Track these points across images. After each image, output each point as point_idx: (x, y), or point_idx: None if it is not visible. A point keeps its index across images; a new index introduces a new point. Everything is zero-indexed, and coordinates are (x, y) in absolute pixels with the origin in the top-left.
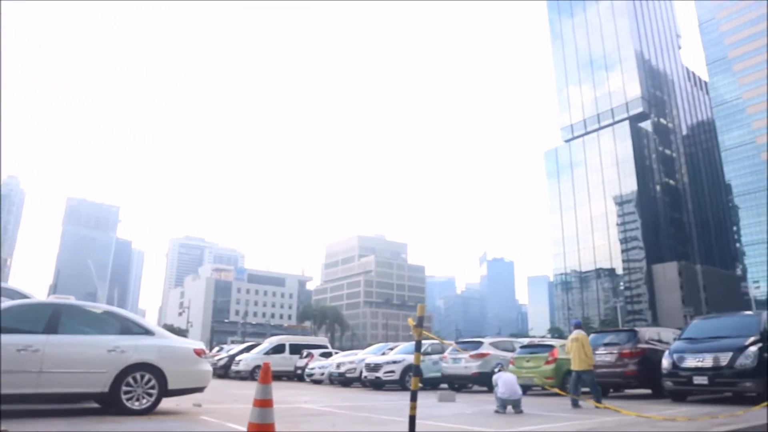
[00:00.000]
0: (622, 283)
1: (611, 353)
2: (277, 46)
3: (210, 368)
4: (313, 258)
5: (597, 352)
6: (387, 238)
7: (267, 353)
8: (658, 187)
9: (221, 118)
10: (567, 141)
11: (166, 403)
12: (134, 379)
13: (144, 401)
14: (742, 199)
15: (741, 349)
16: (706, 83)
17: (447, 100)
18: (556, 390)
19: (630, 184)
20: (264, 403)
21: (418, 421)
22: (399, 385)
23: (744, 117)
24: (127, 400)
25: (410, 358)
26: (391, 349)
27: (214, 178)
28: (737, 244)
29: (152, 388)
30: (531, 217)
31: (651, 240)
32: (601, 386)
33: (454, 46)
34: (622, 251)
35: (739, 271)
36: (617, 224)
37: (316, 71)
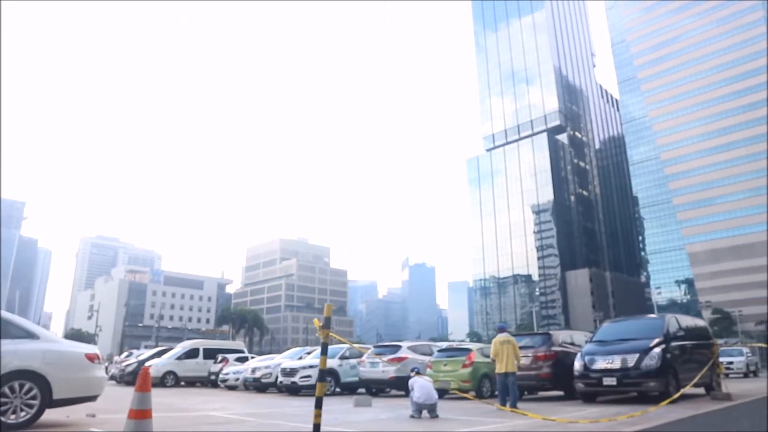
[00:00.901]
0: (537, 289)
1: (526, 356)
2: (193, 44)
3: (104, 375)
4: (234, 260)
5: None
6: (310, 242)
7: (179, 358)
8: (572, 198)
9: (138, 110)
10: (488, 150)
11: (55, 415)
12: (11, 389)
13: (22, 414)
14: (647, 210)
15: (646, 351)
16: (617, 100)
17: (375, 106)
18: (465, 395)
19: (547, 194)
20: (140, 414)
21: (330, 428)
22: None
23: (650, 134)
24: (2, 413)
25: (329, 363)
26: (309, 353)
27: (131, 174)
28: (642, 253)
29: (33, 398)
30: (453, 223)
31: (565, 248)
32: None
33: (383, 53)
34: (539, 258)
35: (643, 278)
36: (534, 232)
37: (243, 69)
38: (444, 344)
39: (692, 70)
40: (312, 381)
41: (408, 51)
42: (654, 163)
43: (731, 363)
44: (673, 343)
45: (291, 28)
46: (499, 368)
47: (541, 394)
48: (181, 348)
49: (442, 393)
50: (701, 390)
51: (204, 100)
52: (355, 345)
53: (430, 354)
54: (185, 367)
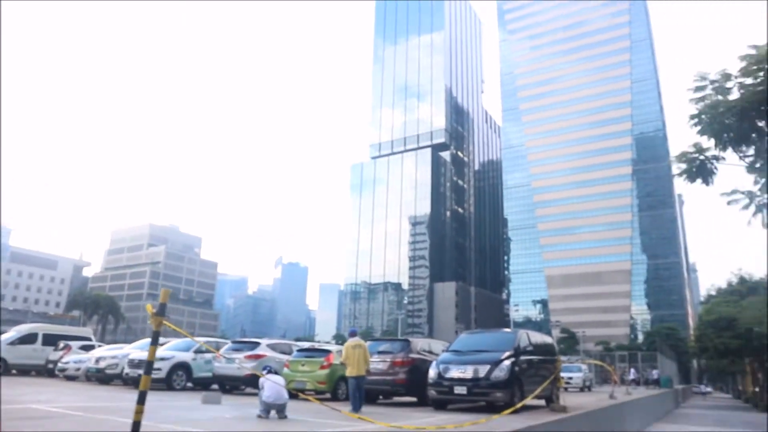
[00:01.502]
0: (406, 297)
1: (384, 361)
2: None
3: None
4: (96, 242)
5: (371, 360)
6: (181, 230)
7: (11, 343)
8: (448, 213)
9: None
10: (374, 158)
11: None
12: None
13: None
14: (515, 233)
15: (497, 363)
16: (499, 127)
17: (266, 100)
18: (312, 399)
19: (424, 207)
20: None
21: (164, 426)
22: (165, 384)
23: (525, 162)
24: None
25: (181, 356)
26: (162, 344)
27: None
28: (506, 272)
29: None
30: (331, 226)
31: (436, 260)
32: (372, 393)
33: (277, 49)
34: (410, 268)
35: (504, 295)
36: (408, 242)
37: (119, 53)
38: (306, 344)
39: (567, 110)
40: (162, 374)
41: (304, 51)
42: (525, 189)
43: (571, 378)
44: (522, 357)
45: (193, 22)
46: (350, 372)
47: (396, 399)
48: (15, 332)
49: (296, 394)
50: (542, 402)
51: (76, 71)
52: (212, 339)
53: (290, 353)
54: (18, 353)
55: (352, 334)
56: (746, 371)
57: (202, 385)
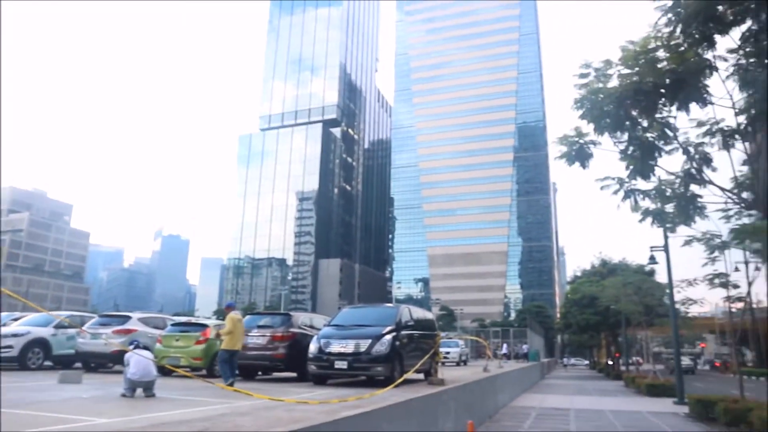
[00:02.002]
0: (290, 274)
1: (264, 336)
2: None
3: None
4: None
5: (250, 334)
6: (49, 195)
7: None
8: (336, 190)
9: None
10: (263, 130)
11: None
12: None
13: None
14: (400, 212)
15: (378, 337)
16: (390, 107)
17: (150, 57)
18: (189, 374)
19: (312, 183)
20: None
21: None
22: (18, 363)
23: (414, 143)
24: None
25: (38, 332)
26: (17, 319)
27: None
28: (390, 250)
29: None
30: (215, 198)
31: (322, 237)
32: (250, 369)
33: (168, 7)
34: (296, 244)
35: (388, 273)
36: (295, 218)
37: None
38: (183, 319)
39: (456, 95)
40: (14, 353)
41: (193, 13)
42: (413, 170)
43: (448, 353)
44: (404, 332)
45: None
46: (232, 345)
47: (275, 375)
48: None
49: (170, 370)
50: (421, 376)
51: None
52: (77, 314)
53: (164, 327)
54: None
55: (231, 307)
56: (602, 345)
57: (63, 363)
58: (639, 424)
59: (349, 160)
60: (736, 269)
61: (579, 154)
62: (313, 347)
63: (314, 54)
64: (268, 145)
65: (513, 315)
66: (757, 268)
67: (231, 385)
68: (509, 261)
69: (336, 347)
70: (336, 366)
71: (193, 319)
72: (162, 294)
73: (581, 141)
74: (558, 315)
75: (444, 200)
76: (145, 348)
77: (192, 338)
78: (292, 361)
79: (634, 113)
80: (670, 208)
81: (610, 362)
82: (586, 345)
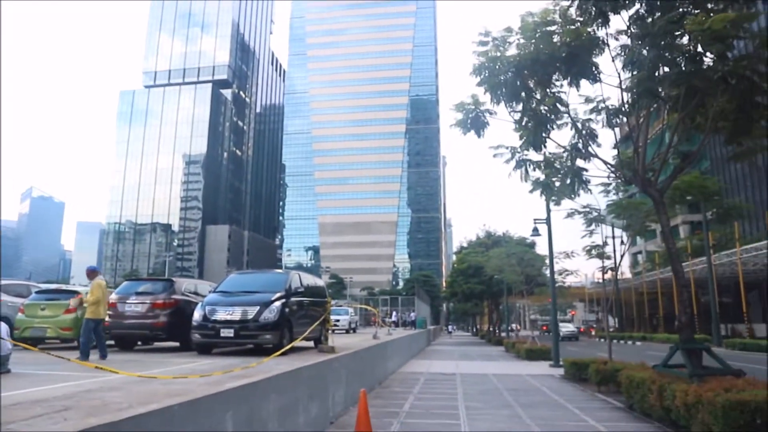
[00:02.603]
0: (176, 240)
1: (143, 303)
2: None
3: None
4: None
5: (128, 302)
6: None
7: None
8: (225, 154)
9: None
10: (147, 87)
11: None
12: None
13: None
14: (292, 179)
15: (267, 304)
16: (285, 71)
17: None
18: (35, 348)
19: (200, 146)
20: None
21: None
22: None
23: (307, 109)
24: None
25: None
26: None
27: None
28: (281, 218)
29: None
30: (94, 158)
31: (210, 202)
32: (128, 339)
33: None
34: (182, 209)
35: (278, 241)
36: (182, 182)
37: None
38: (52, 286)
39: (352, 63)
40: None
41: None
42: (305, 137)
43: (338, 320)
44: (293, 299)
45: None
46: (99, 314)
47: (157, 345)
48: None
49: (37, 341)
50: (312, 344)
51: None
52: None
53: (28, 295)
54: None
55: (94, 271)
56: (484, 313)
57: None
58: (521, 386)
59: (240, 123)
60: (605, 243)
61: (474, 122)
62: (197, 315)
63: (205, 9)
64: (153, 103)
65: (401, 284)
66: (623, 242)
67: (104, 358)
68: (399, 231)
69: (222, 315)
70: (222, 334)
71: (63, 287)
72: (32, 261)
73: (478, 109)
74: (444, 284)
75: (336, 168)
76: (5, 318)
77: (60, 307)
78: (175, 330)
79: (530, 84)
80: (558, 181)
81: (491, 328)
82: (470, 313)
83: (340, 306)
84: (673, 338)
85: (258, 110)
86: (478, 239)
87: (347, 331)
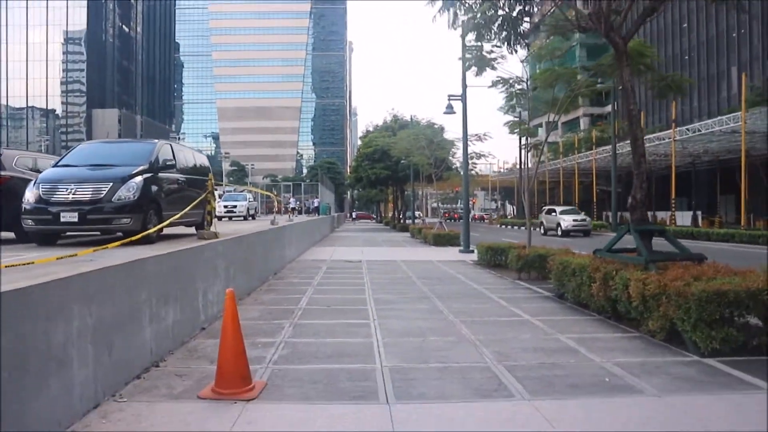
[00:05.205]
0: (58, 125)
1: None
2: None
3: None
4: None
5: None
6: None
7: None
8: (111, 30)
9: None
10: None
11: None
12: None
13: None
14: (187, 60)
15: (124, 180)
16: None
17: None
18: None
19: (80, 19)
20: None
21: None
22: None
23: None
24: None
25: None
26: None
27: None
28: (176, 102)
29: None
30: None
31: (96, 84)
32: None
33: None
34: (63, 92)
35: (174, 127)
36: (61, 61)
37: None
38: None
39: None
40: None
41: None
42: (202, 12)
43: (235, 206)
44: (162, 174)
45: None
46: None
47: None
48: None
49: None
50: (193, 230)
51: None
52: None
53: None
54: None
55: None
56: (389, 200)
57: None
58: (434, 274)
59: None
60: (529, 119)
61: None
62: (29, 195)
63: None
64: None
65: (305, 172)
66: (549, 121)
67: None
68: (302, 117)
69: (63, 194)
70: (63, 220)
71: None
72: None
73: None
74: (349, 171)
75: (236, 49)
76: None
77: None
78: (5, 217)
79: None
80: (494, 31)
81: (395, 214)
82: (374, 200)
83: (240, 192)
84: None
85: None
86: (385, 123)
87: (245, 218)
